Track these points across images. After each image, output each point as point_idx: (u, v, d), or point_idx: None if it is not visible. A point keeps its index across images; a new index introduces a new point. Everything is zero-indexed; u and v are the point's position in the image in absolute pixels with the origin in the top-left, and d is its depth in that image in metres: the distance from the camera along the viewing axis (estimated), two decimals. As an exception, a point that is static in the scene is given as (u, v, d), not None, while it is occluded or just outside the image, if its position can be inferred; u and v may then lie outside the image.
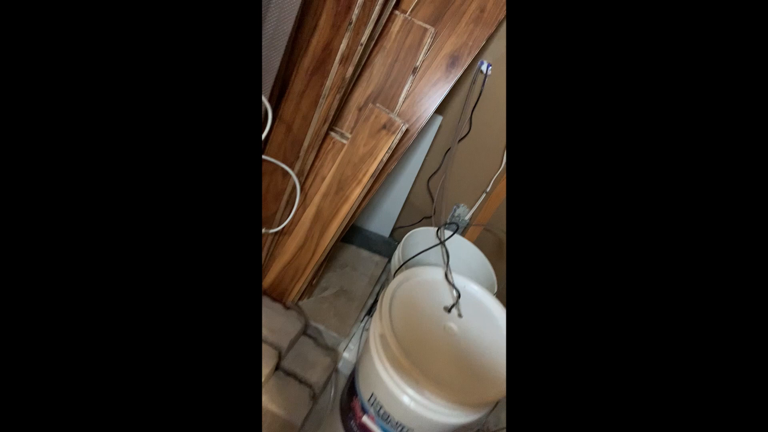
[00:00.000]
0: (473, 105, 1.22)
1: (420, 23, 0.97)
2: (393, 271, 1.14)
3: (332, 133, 1.00)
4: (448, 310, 0.89)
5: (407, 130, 0.97)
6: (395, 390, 0.76)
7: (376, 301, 1.32)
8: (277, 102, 0.96)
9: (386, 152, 0.94)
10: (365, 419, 0.87)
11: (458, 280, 0.96)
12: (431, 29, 0.96)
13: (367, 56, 0.98)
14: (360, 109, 1.01)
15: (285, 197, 1.02)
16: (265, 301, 1.11)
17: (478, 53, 0.97)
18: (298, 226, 1.05)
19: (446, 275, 0.95)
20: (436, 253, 1.12)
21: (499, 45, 1.13)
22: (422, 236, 1.30)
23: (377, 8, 0.84)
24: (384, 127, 0.94)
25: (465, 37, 0.96)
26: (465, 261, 1.29)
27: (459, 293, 0.91)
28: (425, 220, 1.52)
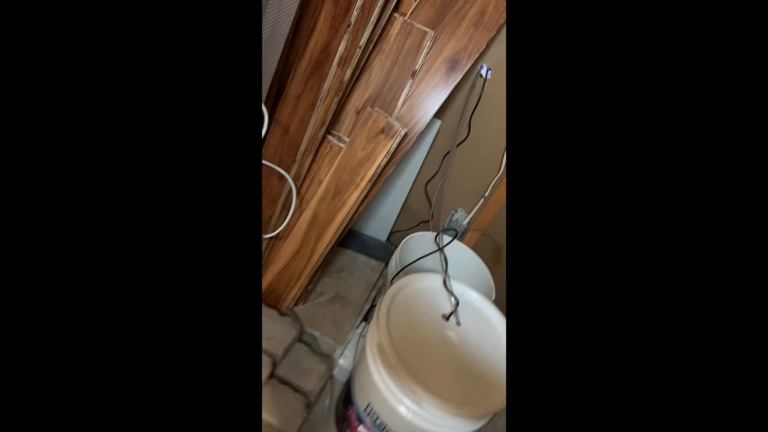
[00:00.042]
0: (472, 109, 1.21)
1: (419, 26, 0.95)
2: (390, 277, 1.12)
3: (329, 137, 0.99)
4: (447, 317, 0.88)
5: (406, 135, 0.96)
6: (392, 400, 0.74)
7: (372, 307, 1.30)
8: (273, 104, 0.95)
9: (384, 156, 0.92)
10: (361, 429, 0.85)
11: (456, 287, 0.94)
12: (431, 32, 0.95)
13: (365, 59, 0.97)
14: (358, 113, 1.00)
15: (281, 201, 1.01)
16: (260, 307, 1.09)
17: (478, 57, 0.96)
18: (294, 231, 1.03)
19: (445, 282, 0.93)
20: (434, 259, 1.10)
21: (499, 49, 1.12)
22: (420, 241, 1.29)
23: (376, 10, 0.83)
24: (382, 131, 0.93)
25: (465, 40, 0.95)
26: (463, 266, 1.28)
27: (458, 301, 0.90)
28: (423, 225, 1.50)
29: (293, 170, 0.97)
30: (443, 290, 0.94)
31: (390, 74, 0.98)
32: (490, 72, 1.14)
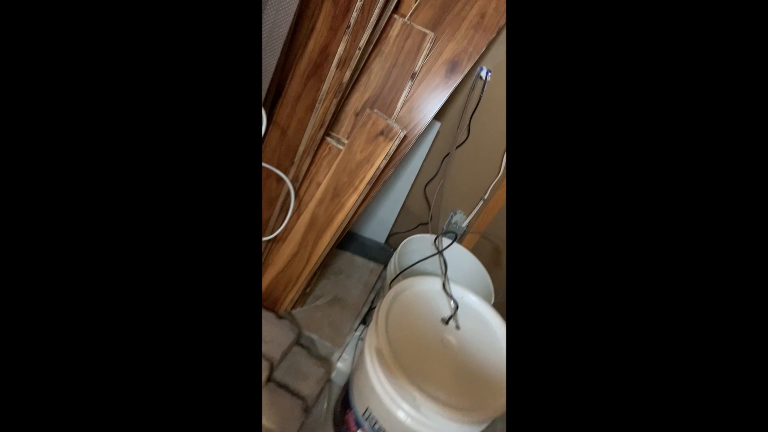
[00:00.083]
0: (472, 111, 1.20)
1: (419, 28, 0.95)
2: (389, 280, 1.12)
3: (328, 139, 0.98)
4: (446, 321, 0.87)
5: (405, 137, 0.95)
6: (391, 405, 0.74)
7: (370, 310, 1.29)
8: (271, 106, 0.94)
9: (383, 159, 0.92)
10: (359, 435, 0.84)
11: (456, 290, 0.93)
12: (431, 34, 0.94)
13: (365, 60, 0.96)
14: (357, 115, 0.99)
15: (279, 203, 1.00)
16: (257, 310, 1.08)
17: (478, 59, 0.96)
18: (292, 233, 1.02)
19: (444, 286, 0.93)
20: (433, 261, 1.09)
21: (499, 51, 1.11)
22: (419, 243, 1.28)
23: (376, 11, 0.82)
24: (381, 133, 0.92)
25: (465, 42, 0.95)
26: (462, 269, 1.27)
27: (457, 304, 0.89)
28: (422, 227, 1.50)
29: (291, 172, 0.96)
30: (442, 293, 0.94)
31: (389, 76, 0.97)
32: (489, 74, 1.13)
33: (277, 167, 0.94)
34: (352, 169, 0.95)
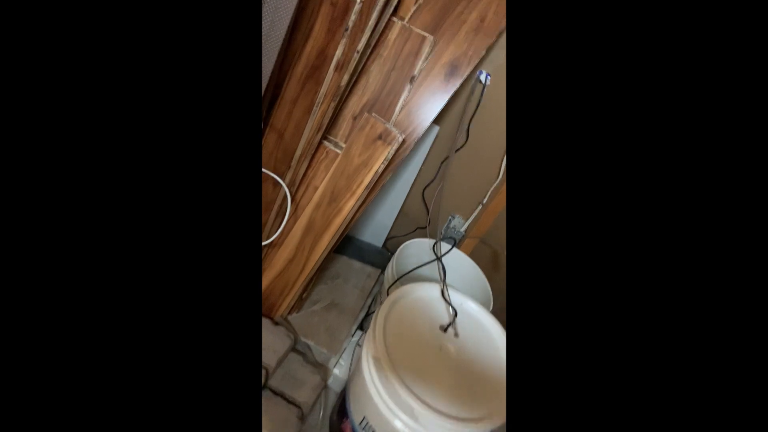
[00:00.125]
0: (471, 115, 1.19)
1: (419, 31, 0.94)
2: (387, 286, 1.10)
3: (326, 142, 0.97)
4: (445, 329, 0.86)
5: (403, 141, 0.94)
6: (388, 415, 0.72)
7: (368, 315, 1.28)
8: (268, 109, 0.92)
9: (382, 163, 0.90)
10: (356, 444, 0.83)
11: (455, 297, 0.92)
12: (430, 37, 0.93)
13: (363, 63, 0.95)
14: (355, 118, 0.98)
15: (275, 208, 0.98)
16: (253, 316, 1.06)
17: (478, 63, 0.94)
18: (289, 238, 1.01)
19: (443, 293, 0.91)
20: (432, 266, 1.08)
21: (499, 55, 1.10)
22: (417, 248, 1.27)
23: (375, 14, 0.81)
24: (380, 137, 0.91)
25: (465, 46, 0.94)
26: (460, 274, 1.26)
27: (456, 312, 0.88)
28: (419, 231, 1.49)
29: (288, 176, 0.95)
30: (441, 300, 0.92)
31: (388, 79, 0.96)
32: (489, 78, 1.13)
33: (274, 171, 0.93)
34: (350, 174, 0.93)
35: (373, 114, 0.95)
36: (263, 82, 0.83)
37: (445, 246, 1.14)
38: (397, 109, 0.97)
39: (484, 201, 1.33)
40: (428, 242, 1.28)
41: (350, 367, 1.09)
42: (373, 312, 1.16)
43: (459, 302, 0.92)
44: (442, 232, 1.44)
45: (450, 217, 1.43)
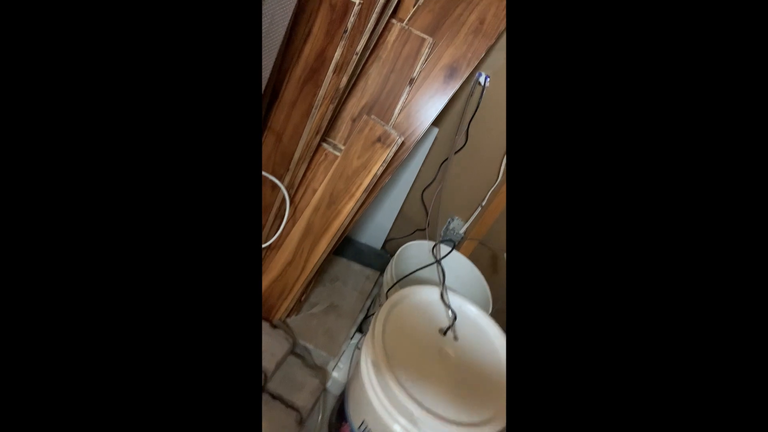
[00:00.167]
0: (470, 117, 1.19)
1: (418, 33, 0.93)
2: (386, 288, 1.10)
3: (325, 145, 0.96)
4: (444, 332, 0.85)
5: (403, 143, 0.94)
6: (388, 420, 0.72)
7: (366, 317, 1.27)
8: (266, 111, 0.92)
9: (381, 166, 0.90)
10: (355, 449, 0.82)
11: (454, 299, 0.92)
12: (429, 39, 0.93)
13: (362, 66, 0.94)
14: (354, 121, 0.97)
15: (273, 211, 0.98)
16: (251, 319, 1.05)
17: (477, 65, 0.94)
18: (287, 241, 1.00)
19: (442, 296, 0.91)
20: (431, 268, 1.08)
21: (498, 57, 1.10)
22: (416, 250, 1.26)
23: (374, 16, 0.81)
24: (379, 139, 0.91)
25: (464, 48, 0.93)
26: (459, 276, 1.26)
27: (455, 315, 0.87)
28: (418, 233, 1.48)
29: (286, 179, 0.94)
30: (440, 303, 0.92)
31: (387, 81, 0.96)
32: (488, 80, 1.12)
33: (272, 174, 0.92)
34: (349, 176, 0.93)
35: (372, 116, 0.95)
36: (262, 84, 0.83)
37: (444, 248, 1.14)
38: (396, 111, 0.96)
39: (484, 203, 1.33)
40: (427, 244, 1.27)
41: (349, 371, 1.09)
42: (372, 314, 1.15)
43: (458, 305, 0.91)
44: (442, 234, 1.43)
45: (449, 219, 1.42)
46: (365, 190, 0.92)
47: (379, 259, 1.48)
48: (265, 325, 1.04)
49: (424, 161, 1.33)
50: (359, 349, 1.01)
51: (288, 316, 1.12)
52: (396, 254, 1.18)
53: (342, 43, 0.83)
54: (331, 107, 0.88)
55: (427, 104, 0.96)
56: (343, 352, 1.13)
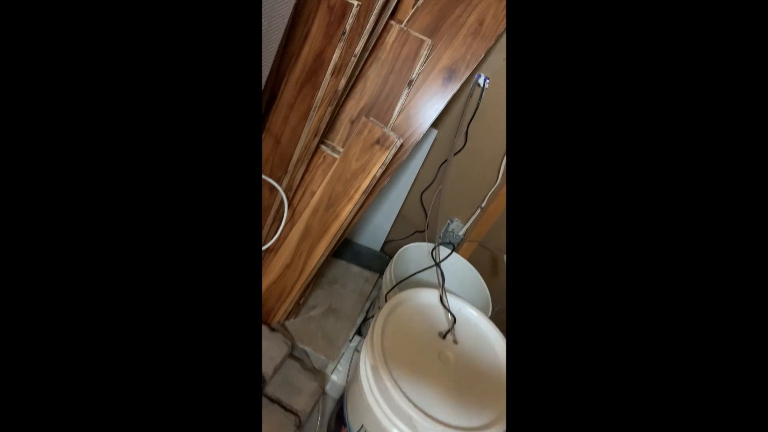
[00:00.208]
0: (470, 119, 1.18)
1: (416, 34, 0.93)
2: (385, 291, 1.09)
3: (323, 147, 0.96)
4: (443, 336, 0.85)
5: (401, 145, 0.93)
6: (387, 424, 0.71)
7: (366, 319, 1.27)
8: (265, 113, 0.92)
9: (379, 168, 0.89)
10: (354, 454, 0.82)
11: (453, 302, 0.91)
12: (428, 41, 0.93)
13: (360, 67, 0.94)
14: (353, 123, 0.97)
15: (272, 213, 0.97)
16: (250, 322, 1.04)
17: (476, 66, 0.94)
18: (285, 244, 1.00)
19: (441, 299, 0.90)
20: (430, 270, 1.07)
21: (497, 58, 1.10)
22: (415, 252, 1.26)
23: (372, 18, 0.80)
24: (378, 141, 0.90)
25: (463, 49, 0.93)
26: (459, 279, 1.25)
27: (455, 318, 0.87)
28: (418, 234, 1.48)
29: (285, 181, 0.94)
30: (440, 306, 0.91)
31: (386, 83, 0.95)
32: (488, 81, 1.12)
33: (270, 176, 0.92)
34: (348, 178, 0.92)
35: (371, 118, 0.94)
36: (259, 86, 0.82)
37: (443, 250, 1.14)
38: (395, 112, 0.96)
39: (483, 204, 1.33)
40: (427, 246, 1.27)
41: (348, 374, 1.08)
42: (372, 317, 1.15)
43: (458, 308, 0.91)
44: (441, 236, 1.43)
45: (448, 221, 1.42)
46: (364, 192, 0.91)
47: (378, 261, 1.47)
48: (263, 329, 1.04)
49: (424, 163, 1.32)
50: (358, 352, 1.01)
51: (286, 319, 1.11)
52: (395, 256, 1.18)
53: (340, 45, 0.83)
54: (330, 109, 0.87)
55: (426, 106, 0.96)
56: (342, 355, 1.13)
